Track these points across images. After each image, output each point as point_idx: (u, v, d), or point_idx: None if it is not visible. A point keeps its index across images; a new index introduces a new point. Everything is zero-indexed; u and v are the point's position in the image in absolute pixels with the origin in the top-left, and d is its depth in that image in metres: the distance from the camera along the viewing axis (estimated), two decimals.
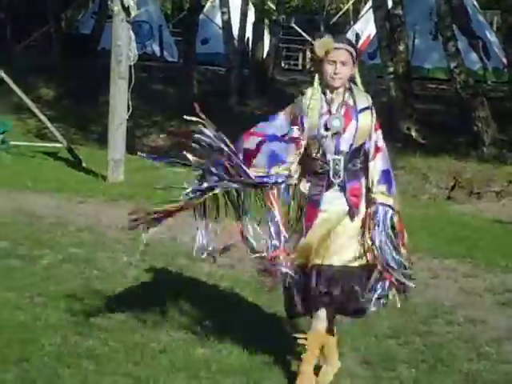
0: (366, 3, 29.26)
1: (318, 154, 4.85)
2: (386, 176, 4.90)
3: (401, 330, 5.89)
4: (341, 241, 4.84)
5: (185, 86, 20.68)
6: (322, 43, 4.85)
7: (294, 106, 4.91)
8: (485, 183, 13.64)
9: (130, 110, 11.09)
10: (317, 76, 4.89)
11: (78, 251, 7.51)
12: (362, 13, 28.94)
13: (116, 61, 11.21)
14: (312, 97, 4.85)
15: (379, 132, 4.96)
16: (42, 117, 13.28)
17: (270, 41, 23.59)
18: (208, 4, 30.54)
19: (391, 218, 4.88)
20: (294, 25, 30.47)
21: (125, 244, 7.84)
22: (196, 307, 6.02)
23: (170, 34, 29.37)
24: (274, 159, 4.80)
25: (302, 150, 4.85)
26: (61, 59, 21.56)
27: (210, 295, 6.41)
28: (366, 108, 4.91)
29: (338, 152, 4.83)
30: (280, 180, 4.82)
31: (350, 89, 4.89)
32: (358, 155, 4.87)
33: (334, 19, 30.25)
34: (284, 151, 4.82)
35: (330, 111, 4.83)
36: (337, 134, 4.81)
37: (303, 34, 29.92)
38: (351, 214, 4.85)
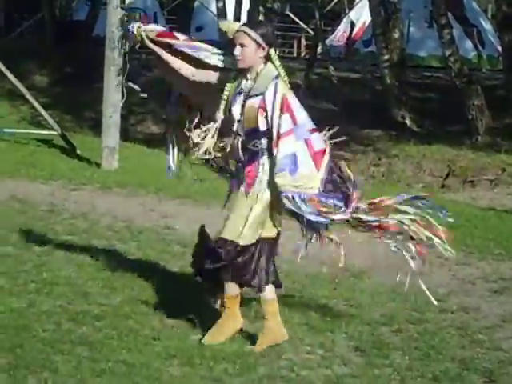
0: None
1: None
2: (288, 161, 4.94)
3: (394, 318, 5.90)
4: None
5: None
6: (224, 24, 5.24)
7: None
8: (479, 171, 13.67)
9: (125, 98, 11.03)
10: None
11: (71, 238, 7.51)
12: (357, 0, 28.86)
13: (110, 48, 11.17)
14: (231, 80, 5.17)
15: (285, 117, 4.97)
16: (36, 104, 13.24)
17: None
18: None
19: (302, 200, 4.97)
20: (288, 12, 30.39)
21: (118, 231, 7.84)
22: (190, 294, 6.02)
23: (165, 21, 29.26)
24: None
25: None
26: (54, 46, 21.48)
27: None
28: (259, 94, 5.02)
29: (237, 133, 5.10)
30: None
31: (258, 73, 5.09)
32: (258, 136, 5.04)
33: (329, 7, 30.13)
34: None
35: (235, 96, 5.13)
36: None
37: (298, 21, 29.85)
38: (243, 192, 5.09)
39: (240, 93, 5.11)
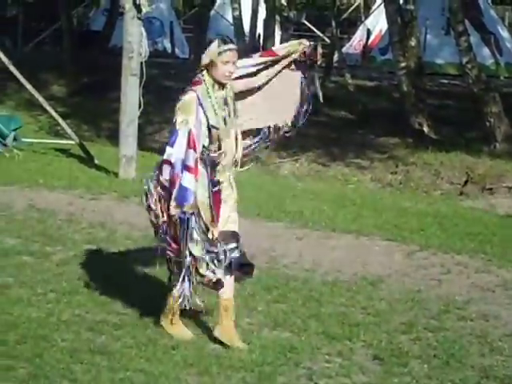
0: None
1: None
2: None
3: (413, 326, 5.88)
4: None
5: None
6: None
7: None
8: (497, 179, 13.59)
9: (142, 107, 11.09)
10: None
11: (90, 247, 7.53)
12: (373, 8, 28.87)
13: (127, 57, 11.21)
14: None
15: None
16: (54, 113, 13.29)
17: (281, 37, 23.55)
18: (219, 0, 30.53)
19: None
20: (304, 21, 30.43)
21: (136, 240, 7.85)
22: (207, 303, 6.02)
23: (181, 31, 29.37)
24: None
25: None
26: (72, 56, 21.58)
27: None
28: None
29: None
30: None
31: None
32: None
33: (345, 15, 30.15)
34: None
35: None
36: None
37: (314, 29, 29.87)
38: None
39: (225, 103, 5.36)
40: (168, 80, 21.12)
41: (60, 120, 13.24)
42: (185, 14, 34.36)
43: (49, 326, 5.51)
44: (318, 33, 29.71)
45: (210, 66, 5.31)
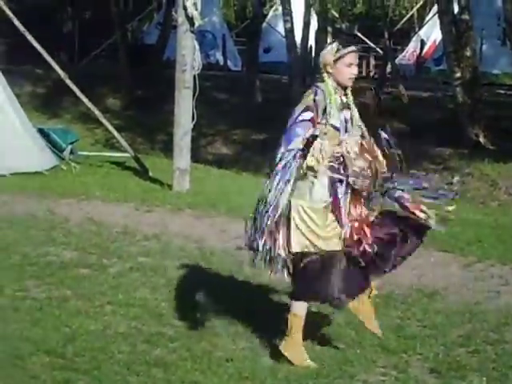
0: (430, 9, 28.98)
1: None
2: None
3: (471, 338, 5.79)
4: None
5: (248, 94, 20.73)
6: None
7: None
8: None
9: (195, 119, 11.15)
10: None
11: (145, 260, 7.58)
12: (427, 18, 28.67)
13: (180, 70, 11.28)
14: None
15: None
16: (110, 127, 13.43)
17: None
18: (271, 13, 30.62)
19: None
20: (357, 32, 30.34)
21: (191, 252, 7.89)
22: (262, 316, 6.02)
23: (233, 43, 29.52)
24: None
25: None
26: (126, 69, 21.83)
27: (276, 304, 6.40)
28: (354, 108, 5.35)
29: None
30: None
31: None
32: None
33: (398, 25, 29.99)
34: None
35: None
36: None
37: (367, 41, 29.76)
38: None
39: (348, 108, 5.25)
40: (220, 92, 21.25)
41: (115, 133, 13.38)
42: (237, 27, 34.51)
43: (106, 339, 5.56)
44: (371, 44, 29.61)
45: (330, 69, 5.19)
